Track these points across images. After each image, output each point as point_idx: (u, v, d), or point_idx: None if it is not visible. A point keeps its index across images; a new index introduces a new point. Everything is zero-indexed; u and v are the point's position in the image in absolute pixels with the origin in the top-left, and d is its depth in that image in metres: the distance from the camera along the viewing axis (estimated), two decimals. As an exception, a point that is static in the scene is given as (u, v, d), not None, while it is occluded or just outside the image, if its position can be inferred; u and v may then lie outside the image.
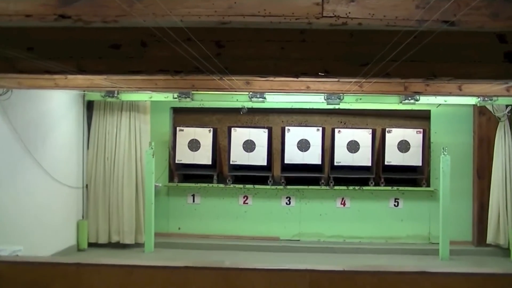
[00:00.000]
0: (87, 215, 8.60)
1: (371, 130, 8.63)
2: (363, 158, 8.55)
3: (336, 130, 8.64)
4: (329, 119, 9.25)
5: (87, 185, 8.62)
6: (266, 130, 8.72)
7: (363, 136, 8.58)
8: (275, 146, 8.93)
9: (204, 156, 8.68)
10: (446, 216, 8.02)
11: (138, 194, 8.60)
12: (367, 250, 8.54)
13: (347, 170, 8.64)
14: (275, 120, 9.32)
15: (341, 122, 9.25)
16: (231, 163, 8.68)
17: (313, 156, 8.56)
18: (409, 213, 8.82)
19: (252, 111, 8.91)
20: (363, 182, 8.73)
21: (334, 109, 8.58)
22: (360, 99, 8.02)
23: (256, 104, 8.19)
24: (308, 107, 8.69)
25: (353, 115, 9.16)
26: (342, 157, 8.55)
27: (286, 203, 8.96)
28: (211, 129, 8.79)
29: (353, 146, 8.55)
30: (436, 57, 3.72)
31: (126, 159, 8.56)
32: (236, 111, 8.85)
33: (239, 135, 8.68)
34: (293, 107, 8.78)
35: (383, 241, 8.79)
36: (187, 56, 3.47)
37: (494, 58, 3.68)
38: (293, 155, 8.60)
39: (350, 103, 8.20)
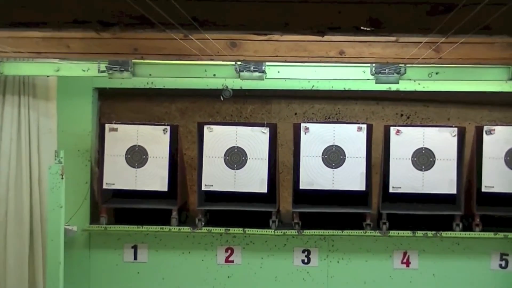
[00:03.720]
0: None
1: (456, 129, 8.65)
2: (442, 180, 8.57)
3: (393, 130, 8.65)
4: (381, 109, 9.32)
5: None
6: (267, 130, 8.73)
7: (442, 141, 8.61)
8: (283, 159, 8.99)
9: (154, 177, 8.69)
10: None
11: (35, 245, 8.62)
12: None
13: (413, 202, 8.68)
14: (282, 112, 9.37)
15: (401, 115, 9.31)
16: (203, 189, 8.69)
17: (351, 177, 8.58)
18: (526, 280, 8.88)
19: (242, 95, 8.97)
20: (442, 224, 8.76)
21: (389, 91, 8.68)
22: (437, 73, 8.06)
23: (249, 83, 8.21)
24: (342, 88, 8.75)
25: (424, 103, 9.24)
26: (404, 178, 8.58)
27: (303, 261, 9.00)
28: (168, 127, 8.79)
29: (423, 159, 8.57)
30: None
31: (12, 183, 8.58)
32: (212, 95, 8.88)
33: (218, 138, 8.70)
34: (314, 88, 8.83)
35: (480, 330, 8.87)
36: (124, -4, 3.48)
37: None
38: (315, 175, 8.62)
39: (417, 81, 8.31)
